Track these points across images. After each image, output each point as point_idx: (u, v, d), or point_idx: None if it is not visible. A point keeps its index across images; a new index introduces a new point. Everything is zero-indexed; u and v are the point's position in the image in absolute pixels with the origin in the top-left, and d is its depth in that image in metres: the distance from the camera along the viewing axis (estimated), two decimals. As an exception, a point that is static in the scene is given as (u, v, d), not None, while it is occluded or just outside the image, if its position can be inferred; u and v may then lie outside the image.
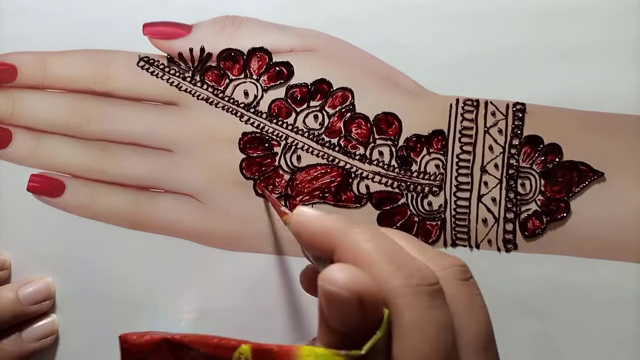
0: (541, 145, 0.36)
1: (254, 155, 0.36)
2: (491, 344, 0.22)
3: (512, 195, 0.35)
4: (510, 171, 0.36)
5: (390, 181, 0.36)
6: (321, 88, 0.36)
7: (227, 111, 0.36)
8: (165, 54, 0.37)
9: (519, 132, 0.36)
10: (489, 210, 0.36)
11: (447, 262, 0.22)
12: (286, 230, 0.36)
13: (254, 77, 0.37)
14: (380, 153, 0.36)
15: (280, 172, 0.36)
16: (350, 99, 0.36)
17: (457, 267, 0.22)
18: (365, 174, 0.36)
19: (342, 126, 0.36)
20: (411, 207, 0.36)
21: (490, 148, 0.36)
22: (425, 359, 0.19)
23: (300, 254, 0.36)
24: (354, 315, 0.19)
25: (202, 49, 0.36)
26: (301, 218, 0.24)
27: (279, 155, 0.36)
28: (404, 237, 0.23)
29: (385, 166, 0.36)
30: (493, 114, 0.36)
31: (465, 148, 0.36)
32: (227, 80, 0.37)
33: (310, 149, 0.36)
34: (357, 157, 0.36)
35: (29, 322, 0.36)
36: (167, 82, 0.37)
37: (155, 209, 0.37)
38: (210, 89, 0.36)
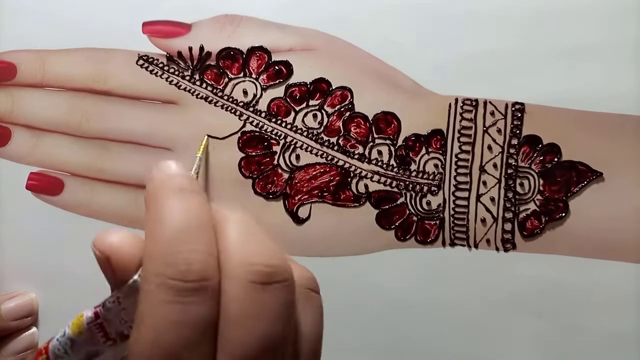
0: (540, 145, 0.35)
1: (253, 154, 0.36)
2: (262, 356, 0.18)
3: (510, 195, 0.35)
4: (509, 171, 0.36)
5: (389, 180, 0.36)
6: (320, 87, 0.36)
7: (226, 110, 0.36)
8: (165, 53, 0.37)
9: (517, 131, 0.36)
10: (487, 209, 0.36)
11: (254, 259, 0.19)
12: (285, 230, 0.36)
13: (253, 76, 0.37)
14: (379, 152, 0.36)
15: (279, 171, 0.36)
16: (349, 98, 0.36)
17: (260, 267, 0.19)
18: (364, 173, 0.36)
19: (341, 125, 0.36)
20: (410, 207, 0.36)
21: (489, 148, 0.36)
22: (147, 353, 0.18)
23: (300, 253, 0.36)
24: (108, 276, 0.20)
25: (202, 48, 0.37)
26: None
27: (277, 154, 0.36)
28: (236, 223, 0.20)
29: (384, 165, 0.36)
30: (492, 113, 0.36)
31: (464, 148, 0.36)
32: (227, 79, 0.37)
33: (309, 148, 0.36)
34: (356, 157, 0.36)
35: (11, 336, 0.36)
36: (167, 80, 0.37)
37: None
38: (209, 88, 0.37)
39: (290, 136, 0.36)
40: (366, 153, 0.36)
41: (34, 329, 0.37)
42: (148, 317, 0.18)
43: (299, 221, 0.36)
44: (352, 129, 0.36)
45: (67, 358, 0.20)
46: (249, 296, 0.19)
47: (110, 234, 0.20)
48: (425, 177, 0.36)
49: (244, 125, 0.36)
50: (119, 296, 0.20)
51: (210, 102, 0.36)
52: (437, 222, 0.36)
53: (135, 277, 0.20)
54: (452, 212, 0.36)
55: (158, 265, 0.18)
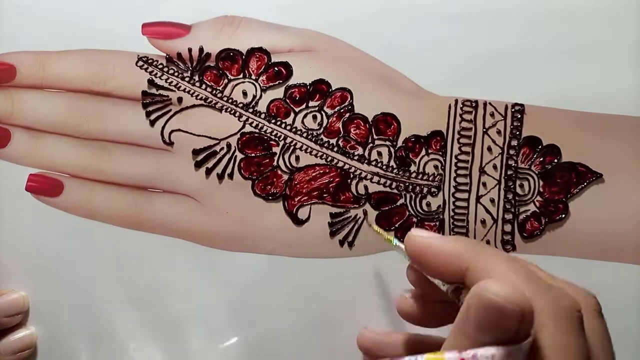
0: (540, 146, 0.35)
1: (252, 155, 0.36)
2: None
3: (510, 196, 0.35)
4: (509, 172, 0.35)
5: (388, 182, 0.36)
6: (320, 88, 0.36)
7: (226, 111, 0.36)
8: (164, 54, 0.37)
9: (517, 133, 0.36)
10: (487, 211, 0.35)
11: (582, 291, 0.23)
12: (285, 232, 0.36)
13: (253, 77, 0.36)
14: (379, 153, 0.36)
15: (279, 172, 0.36)
16: (349, 99, 0.36)
17: (594, 298, 0.23)
18: (363, 174, 0.36)
19: (340, 126, 0.36)
20: (410, 208, 0.36)
21: (489, 149, 0.36)
22: None
23: (299, 255, 0.36)
24: (511, 328, 0.19)
25: (201, 49, 0.36)
26: (422, 242, 0.24)
27: (277, 155, 0.36)
28: (531, 265, 0.23)
29: (384, 167, 0.36)
30: (492, 114, 0.36)
31: (464, 149, 0.36)
32: (226, 80, 0.37)
33: (309, 149, 0.36)
34: (356, 158, 0.36)
35: (5, 334, 0.36)
36: (166, 81, 0.37)
37: (153, 209, 0.37)
38: (209, 89, 0.36)
39: (290, 137, 0.36)
40: (366, 154, 0.36)
41: (32, 329, 0.37)
42: (559, 352, 0.20)
43: (298, 222, 0.36)
44: (352, 130, 0.36)
45: None
46: (599, 322, 0.23)
47: (508, 285, 0.20)
48: (425, 178, 0.36)
49: (243, 127, 0.36)
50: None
51: (209, 103, 0.36)
52: (437, 223, 0.36)
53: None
54: (452, 213, 0.36)
55: (549, 301, 0.21)
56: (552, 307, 0.20)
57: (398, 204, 0.36)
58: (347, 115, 0.36)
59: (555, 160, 0.35)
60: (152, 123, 0.37)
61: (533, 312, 0.20)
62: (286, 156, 0.36)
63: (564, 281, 0.23)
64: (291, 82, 0.36)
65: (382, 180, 0.36)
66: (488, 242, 0.36)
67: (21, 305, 0.36)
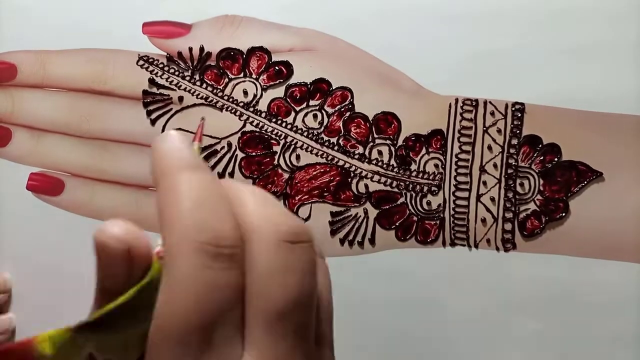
0: (540, 145, 0.35)
1: (253, 154, 0.36)
2: (291, 315, 0.19)
3: (510, 195, 0.35)
4: (509, 171, 0.36)
5: (389, 180, 0.36)
6: (320, 87, 0.36)
7: (227, 110, 0.36)
8: (165, 53, 0.37)
9: (518, 131, 0.36)
10: (487, 209, 0.36)
11: (279, 221, 0.20)
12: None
13: (254, 76, 0.37)
14: (380, 152, 0.36)
15: (280, 171, 0.36)
16: (349, 98, 0.36)
17: (286, 227, 0.19)
18: (364, 173, 0.36)
19: (341, 125, 0.36)
20: (410, 207, 0.36)
21: (489, 148, 0.36)
22: (183, 318, 0.17)
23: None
24: (121, 268, 0.19)
25: (202, 48, 0.37)
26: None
27: (278, 154, 0.36)
28: (251, 193, 0.21)
29: (385, 165, 0.36)
30: (492, 113, 0.36)
31: (464, 148, 0.36)
32: (227, 80, 0.37)
33: (310, 148, 0.36)
34: (356, 157, 0.36)
35: None
36: (167, 81, 0.37)
37: (154, 208, 0.37)
38: (209, 88, 0.37)
39: (291, 136, 0.36)
40: (366, 153, 0.36)
41: (10, 314, 0.37)
42: (186, 281, 0.18)
43: (299, 221, 0.36)
44: (353, 129, 0.36)
45: None
46: (279, 254, 0.19)
47: (114, 224, 0.19)
48: (425, 177, 0.36)
49: (244, 126, 0.36)
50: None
51: (210, 103, 0.36)
52: (438, 222, 0.36)
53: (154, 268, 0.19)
54: (452, 212, 0.36)
55: (190, 232, 0.18)
56: (184, 239, 0.18)
57: (398, 202, 0.36)
58: (348, 114, 0.36)
59: (556, 159, 0.35)
60: (153, 122, 0.37)
61: (145, 248, 0.19)
62: (287, 155, 0.36)
63: (275, 210, 0.20)
64: (292, 81, 0.36)
65: (383, 179, 0.36)
66: (488, 241, 0.36)
67: (3, 285, 0.36)
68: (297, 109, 0.36)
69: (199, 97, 0.36)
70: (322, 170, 0.36)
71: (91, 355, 0.18)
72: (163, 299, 0.18)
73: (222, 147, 0.36)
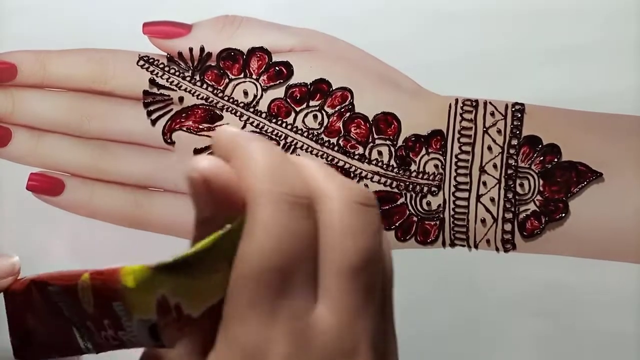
0: (540, 146, 0.36)
1: (253, 154, 0.36)
2: (363, 273, 0.20)
3: (510, 196, 0.36)
4: (509, 171, 0.36)
5: (389, 181, 0.36)
6: (320, 88, 0.36)
7: (227, 111, 0.36)
8: (165, 54, 0.37)
9: (517, 132, 0.36)
10: (487, 210, 0.36)
11: (351, 186, 0.21)
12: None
13: (254, 76, 0.37)
14: (379, 153, 0.36)
15: (280, 171, 0.36)
16: (349, 98, 0.36)
17: (358, 190, 0.21)
18: (364, 173, 0.36)
19: (341, 126, 0.36)
20: (410, 207, 0.36)
21: (489, 148, 0.36)
22: (265, 258, 0.18)
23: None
24: (203, 201, 0.20)
25: (202, 49, 0.37)
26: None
27: (278, 154, 0.36)
28: (316, 164, 0.22)
29: (384, 166, 0.36)
30: (492, 114, 0.36)
31: (464, 148, 0.36)
32: (227, 80, 0.37)
33: (310, 149, 0.36)
34: (356, 157, 0.36)
35: None
36: (167, 81, 0.37)
37: (154, 208, 0.37)
38: (209, 89, 0.37)
39: (291, 137, 0.36)
40: (366, 153, 0.36)
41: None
42: (267, 225, 0.19)
43: (299, 222, 0.36)
44: (353, 129, 0.36)
45: None
46: (354, 214, 0.20)
47: (204, 159, 0.20)
48: (425, 177, 0.36)
49: (244, 126, 0.36)
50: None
51: (210, 103, 0.36)
52: (437, 222, 0.36)
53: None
54: (452, 212, 0.36)
55: (270, 184, 0.19)
56: (267, 188, 0.19)
57: (398, 203, 0.36)
58: (348, 114, 0.36)
59: (556, 160, 0.35)
60: (154, 122, 0.37)
61: (226, 183, 0.19)
62: (287, 155, 0.36)
63: (345, 180, 0.22)
64: (292, 81, 0.36)
65: (383, 180, 0.36)
66: (488, 242, 0.36)
67: (11, 269, 0.36)
68: (297, 109, 0.36)
69: (199, 97, 0.37)
70: (322, 170, 0.36)
71: (163, 297, 0.19)
72: (246, 243, 0.19)
73: (222, 148, 0.36)
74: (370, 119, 0.36)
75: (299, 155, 0.36)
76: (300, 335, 0.18)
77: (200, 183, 0.19)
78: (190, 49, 0.37)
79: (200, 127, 0.36)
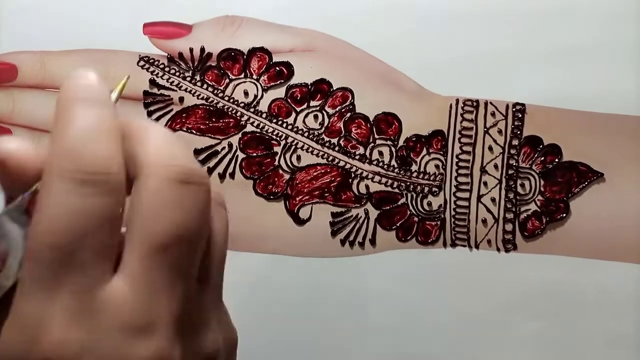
0: (541, 146, 0.36)
1: (254, 154, 0.36)
2: (170, 251, 0.19)
3: (511, 196, 0.36)
4: (510, 171, 0.36)
5: (390, 181, 0.36)
6: (321, 88, 0.36)
7: (227, 111, 0.36)
8: (166, 54, 0.37)
9: (518, 132, 0.36)
10: (488, 210, 0.36)
11: (172, 159, 0.20)
12: (286, 231, 0.36)
13: (254, 77, 0.37)
14: (380, 153, 0.36)
15: (280, 171, 0.36)
16: (350, 99, 0.36)
17: (179, 167, 0.20)
18: (365, 174, 0.36)
19: (342, 126, 0.36)
20: (411, 207, 0.36)
21: (490, 148, 0.36)
22: (45, 236, 0.18)
23: (301, 254, 0.36)
24: (4, 181, 0.20)
25: (202, 49, 0.37)
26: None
27: (278, 155, 0.36)
28: (156, 132, 0.21)
29: (385, 166, 0.36)
30: (493, 114, 0.36)
31: (465, 148, 0.36)
32: (227, 80, 0.37)
33: (310, 149, 0.36)
34: (357, 157, 0.36)
35: None
36: (167, 81, 0.37)
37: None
38: (210, 89, 0.37)
39: (291, 137, 0.36)
40: (367, 154, 0.36)
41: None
42: (46, 207, 0.19)
43: (300, 222, 0.36)
44: (353, 129, 0.36)
45: None
46: (167, 190, 0.20)
47: (7, 139, 0.20)
48: (426, 177, 0.36)
49: (244, 126, 0.36)
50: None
51: (211, 103, 0.36)
52: (438, 222, 0.36)
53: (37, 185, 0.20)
54: (453, 212, 0.36)
55: (60, 161, 0.19)
56: (55, 165, 0.19)
57: (399, 203, 0.36)
58: (348, 114, 0.36)
59: (556, 160, 0.35)
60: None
61: (19, 160, 0.20)
62: (287, 156, 0.36)
63: (169, 149, 0.21)
64: (292, 81, 0.36)
65: (384, 180, 0.36)
66: (489, 242, 0.36)
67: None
68: (298, 109, 0.36)
69: (199, 97, 0.36)
70: (322, 171, 0.36)
71: None
72: (33, 221, 0.19)
73: (223, 148, 0.36)
74: (371, 119, 0.36)
75: (299, 155, 0.36)
76: (83, 309, 0.19)
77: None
78: (191, 50, 0.37)
79: (201, 127, 0.36)
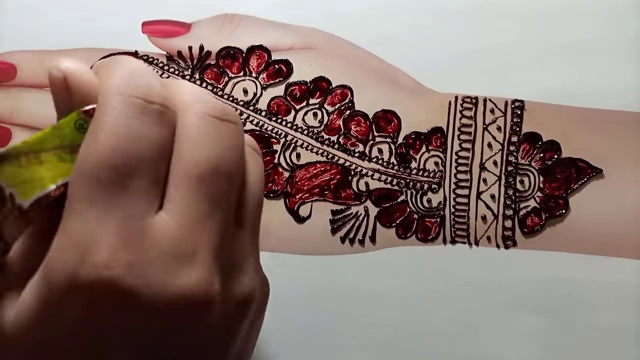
0: (540, 142, 0.36)
1: (254, 153, 0.36)
2: (209, 182, 0.20)
3: (511, 192, 0.36)
4: (509, 168, 0.36)
5: (389, 178, 0.36)
6: (320, 86, 0.36)
7: (227, 109, 0.36)
8: (165, 53, 0.37)
9: (517, 129, 0.36)
10: (488, 207, 0.36)
11: (208, 99, 0.22)
12: (286, 229, 0.36)
13: (253, 75, 0.37)
14: (380, 150, 0.36)
15: (280, 169, 0.36)
16: (349, 96, 0.36)
17: (215, 105, 0.22)
18: (364, 171, 0.36)
19: (341, 124, 0.36)
20: (410, 204, 0.36)
21: (489, 145, 0.36)
22: (103, 156, 0.19)
23: (301, 252, 0.36)
24: (62, 99, 0.21)
25: (201, 47, 0.37)
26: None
27: (278, 152, 0.36)
28: (186, 83, 0.23)
29: (385, 163, 0.36)
30: (492, 111, 0.36)
31: (464, 145, 0.36)
32: (226, 78, 0.37)
33: (310, 147, 0.36)
34: (357, 155, 0.36)
35: None
36: (167, 80, 0.37)
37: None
38: (209, 87, 0.37)
39: (291, 135, 0.36)
40: (366, 151, 0.36)
41: None
42: (110, 125, 0.19)
43: (300, 220, 0.36)
44: (353, 127, 0.36)
45: None
46: (204, 123, 0.21)
47: (67, 59, 0.21)
48: (425, 175, 0.36)
49: (244, 124, 0.36)
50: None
51: (210, 102, 0.37)
52: (438, 219, 0.36)
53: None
54: (452, 209, 0.36)
55: (121, 85, 0.20)
56: (116, 88, 0.20)
57: (399, 200, 0.36)
58: (348, 112, 0.36)
59: (556, 156, 0.36)
60: (153, 121, 0.37)
61: (83, 81, 0.20)
62: (287, 154, 0.36)
63: (202, 93, 0.23)
64: (292, 79, 0.36)
65: (383, 177, 0.36)
66: (489, 238, 0.36)
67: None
68: (297, 107, 0.36)
69: (199, 96, 0.37)
70: (322, 168, 0.36)
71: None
72: (88, 140, 0.20)
73: (223, 146, 0.36)
74: (370, 117, 0.36)
75: (298, 153, 0.36)
76: (132, 234, 0.19)
77: (60, 81, 0.20)
78: (190, 48, 0.37)
79: None
